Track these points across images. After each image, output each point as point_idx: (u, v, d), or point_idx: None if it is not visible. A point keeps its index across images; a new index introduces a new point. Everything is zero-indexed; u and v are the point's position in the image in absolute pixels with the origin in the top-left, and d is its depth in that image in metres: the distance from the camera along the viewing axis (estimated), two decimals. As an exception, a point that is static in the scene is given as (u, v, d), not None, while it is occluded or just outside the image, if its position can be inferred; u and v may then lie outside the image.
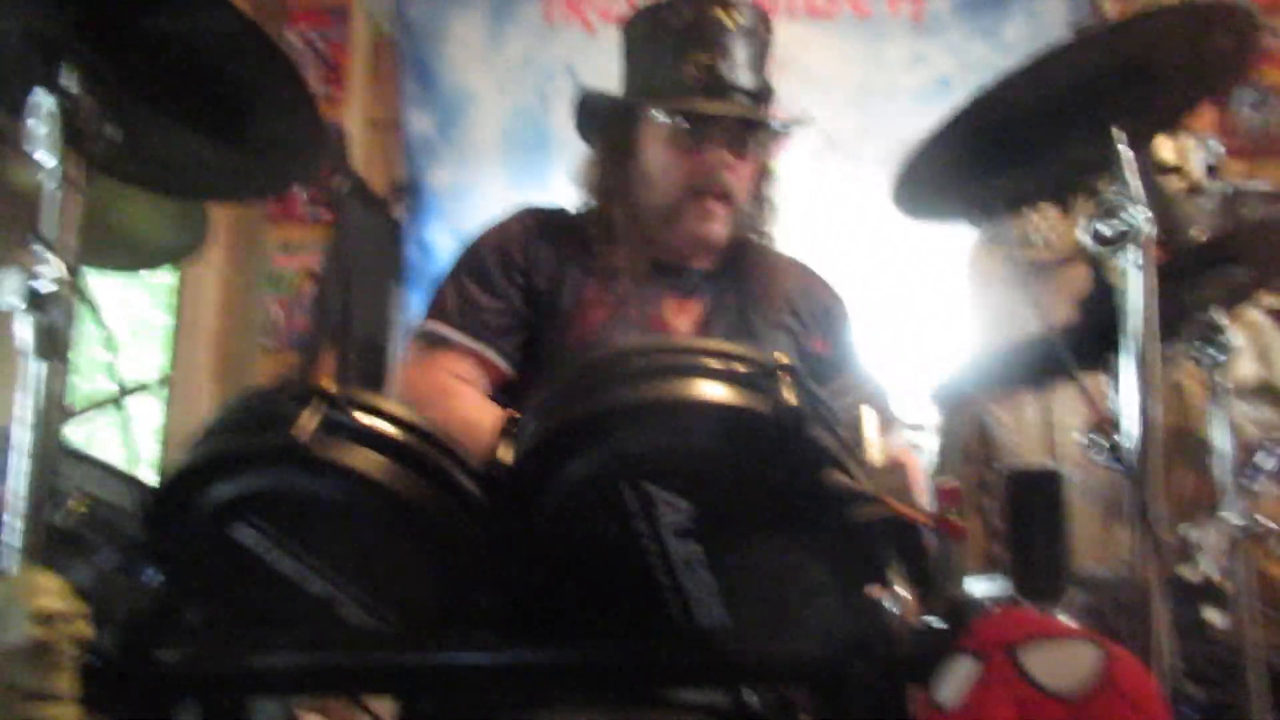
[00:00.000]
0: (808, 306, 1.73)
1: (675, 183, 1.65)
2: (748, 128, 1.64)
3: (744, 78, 1.63)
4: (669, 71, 1.64)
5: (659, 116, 1.63)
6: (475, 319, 1.60)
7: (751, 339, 1.64)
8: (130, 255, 1.75)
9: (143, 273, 2.92)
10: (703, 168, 1.63)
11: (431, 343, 1.61)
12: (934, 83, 3.39)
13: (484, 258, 1.66)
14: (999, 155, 1.32)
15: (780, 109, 1.73)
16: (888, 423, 1.69)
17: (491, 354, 1.59)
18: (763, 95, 1.67)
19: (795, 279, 1.75)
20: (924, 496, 1.61)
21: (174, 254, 1.88)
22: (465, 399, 1.54)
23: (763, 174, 1.73)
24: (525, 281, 1.64)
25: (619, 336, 1.61)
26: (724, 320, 1.67)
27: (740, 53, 1.64)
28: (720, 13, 1.63)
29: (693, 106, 1.62)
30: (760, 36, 1.67)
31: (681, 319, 1.67)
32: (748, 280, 1.69)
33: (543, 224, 1.71)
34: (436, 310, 1.64)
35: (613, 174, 1.71)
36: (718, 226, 1.66)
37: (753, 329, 1.66)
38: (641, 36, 1.71)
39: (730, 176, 1.65)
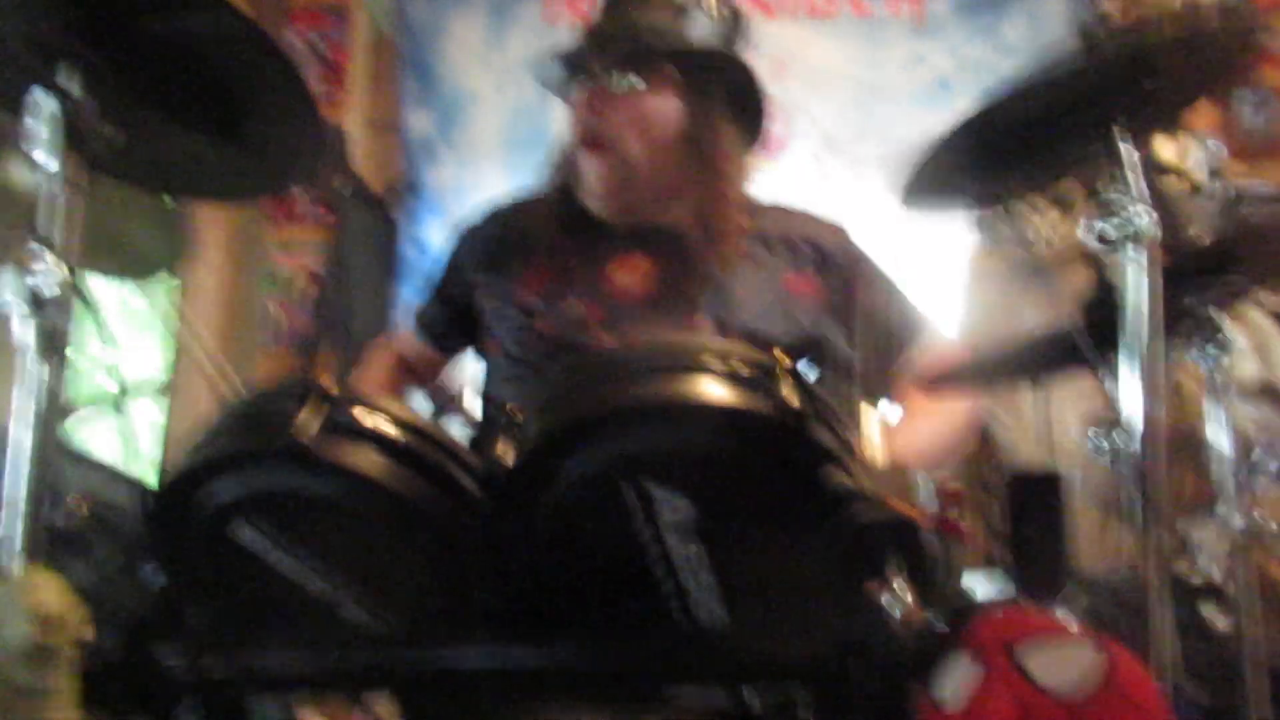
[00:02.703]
0: (789, 247, 1.69)
1: (570, 141, 1.68)
2: (613, 67, 1.61)
3: (621, 27, 1.61)
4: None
5: (546, 84, 1.72)
6: (420, 315, 1.86)
7: (707, 285, 1.61)
8: (116, 264, 1.76)
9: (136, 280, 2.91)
10: (579, 118, 1.65)
11: (387, 333, 1.93)
12: (933, 83, 3.39)
13: (441, 262, 1.85)
14: (999, 153, 1.33)
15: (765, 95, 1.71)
16: (925, 342, 1.69)
17: (424, 345, 1.86)
18: (657, 42, 1.62)
19: (774, 221, 1.72)
20: (959, 431, 1.63)
21: (156, 265, 1.89)
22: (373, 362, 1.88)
23: (696, 123, 1.66)
24: (462, 284, 1.76)
25: (554, 303, 1.63)
26: (676, 276, 1.63)
27: (626, 6, 1.63)
28: None
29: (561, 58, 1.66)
30: None
31: (630, 278, 1.65)
32: (706, 232, 1.64)
33: (508, 214, 1.78)
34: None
35: (556, 148, 1.76)
36: (600, 174, 1.64)
37: (709, 280, 1.62)
38: None
39: (602, 121, 1.62)
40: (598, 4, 1.70)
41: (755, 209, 1.71)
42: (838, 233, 1.75)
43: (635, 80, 1.61)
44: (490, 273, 1.72)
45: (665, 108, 1.64)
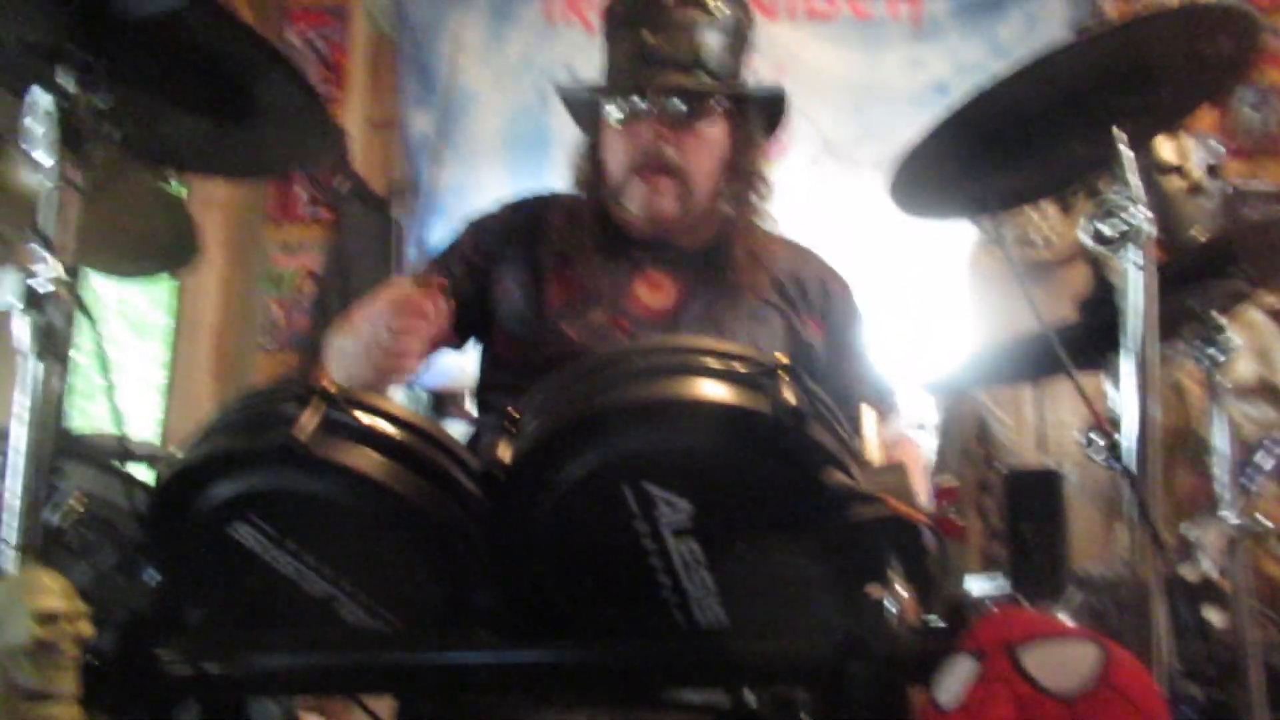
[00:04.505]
0: (801, 288, 1.71)
1: (620, 163, 1.66)
2: (686, 97, 1.60)
3: (682, 50, 1.60)
4: (610, 56, 1.67)
5: (599, 100, 1.66)
6: (424, 271, 1.73)
7: (732, 318, 1.63)
8: (121, 263, 1.75)
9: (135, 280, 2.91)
10: (639, 142, 1.63)
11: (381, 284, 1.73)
12: (931, 87, 3.40)
13: (466, 226, 1.78)
14: (999, 153, 1.32)
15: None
16: (888, 411, 1.70)
17: None
18: (714, 67, 1.62)
19: (788, 259, 1.73)
20: (922, 488, 1.62)
21: (164, 263, 1.88)
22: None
23: (739, 149, 1.68)
24: (486, 263, 1.71)
25: (582, 313, 1.62)
26: (702, 299, 1.65)
27: (682, 26, 1.60)
28: None
29: (618, 82, 1.63)
30: (713, 8, 1.62)
31: (656, 296, 1.66)
32: (732, 259, 1.67)
33: (541, 209, 1.75)
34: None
35: (583, 163, 1.73)
36: (664, 201, 1.64)
37: (734, 308, 1.64)
38: (603, 31, 1.72)
39: (672, 149, 1.62)
40: (629, 18, 1.64)
41: (769, 240, 1.73)
42: (844, 285, 1.77)
43: (707, 108, 1.63)
44: (520, 259, 1.69)
45: (719, 134, 1.66)
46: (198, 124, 1.21)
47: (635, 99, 1.62)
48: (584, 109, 1.73)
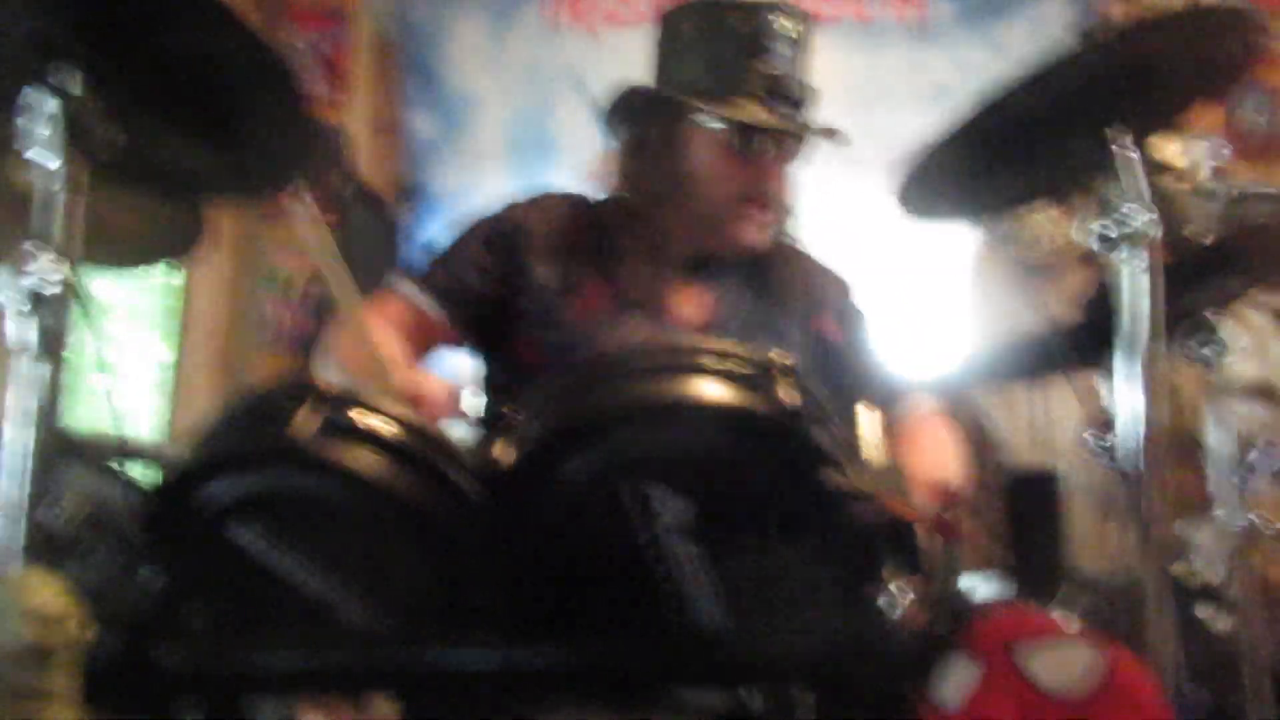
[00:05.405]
0: (819, 295, 1.74)
1: (724, 188, 1.64)
2: (799, 140, 1.63)
3: (797, 89, 1.62)
4: (728, 75, 1.62)
5: (712, 120, 1.61)
6: (430, 276, 1.67)
7: (766, 330, 1.65)
8: (122, 252, 1.74)
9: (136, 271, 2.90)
10: (755, 177, 1.63)
11: (384, 289, 1.69)
12: (934, 90, 3.40)
13: (472, 229, 1.72)
14: (1001, 155, 1.33)
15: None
16: (903, 403, 1.71)
17: (429, 307, 1.64)
18: (809, 105, 1.66)
19: (808, 269, 1.77)
20: (955, 466, 1.62)
21: (167, 251, 1.87)
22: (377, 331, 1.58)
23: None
24: (505, 264, 1.66)
25: (618, 322, 1.62)
26: (737, 310, 1.68)
27: (796, 63, 1.62)
28: (785, 22, 1.61)
29: (756, 116, 1.60)
30: (810, 46, 1.65)
31: (691, 307, 1.67)
32: (765, 271, 1.70)
33: (558, 209, 1.73)
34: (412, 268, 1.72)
35: (645, 169, 1.70)
36: (760, 235, 1.67)
37: (767, 319, 1.67)
38: (695, 33, 1.66)
39: (777, 186, 1.66)
40: (756, 44, 1.62)
41: (792, 251, 1.76)
42: (845, 288, 1.80)
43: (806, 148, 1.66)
44: (547, 261, 1.67)
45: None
46: (188, 140, 1.21)
47: (771, 138, 1.61)
48: (652, 112, 1.69)
